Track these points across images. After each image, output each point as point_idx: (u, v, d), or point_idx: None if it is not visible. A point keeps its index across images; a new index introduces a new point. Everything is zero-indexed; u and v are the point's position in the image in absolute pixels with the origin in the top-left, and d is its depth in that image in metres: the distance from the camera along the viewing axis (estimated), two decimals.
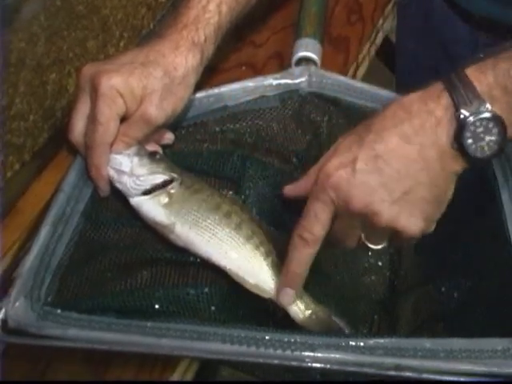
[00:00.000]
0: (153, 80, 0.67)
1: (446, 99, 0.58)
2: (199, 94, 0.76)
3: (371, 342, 0.58)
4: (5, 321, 0.59)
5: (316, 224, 0.61)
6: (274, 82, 0.79)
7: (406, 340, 0.58)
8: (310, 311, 0.64)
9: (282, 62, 0.90)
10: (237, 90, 0.78)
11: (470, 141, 0.57)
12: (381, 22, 0.98)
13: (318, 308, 0.65)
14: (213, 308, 0.63)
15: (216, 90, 0.77)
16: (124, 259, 0.66)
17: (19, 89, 0.72)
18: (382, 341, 0.58)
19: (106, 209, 0.70)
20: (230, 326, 0.59)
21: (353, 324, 0.72)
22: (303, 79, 0.79)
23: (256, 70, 0.89)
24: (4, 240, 0.70)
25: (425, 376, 0.56)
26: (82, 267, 0.65)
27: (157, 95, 0.67)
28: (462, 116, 0.57)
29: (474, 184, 0.72)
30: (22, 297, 0.60)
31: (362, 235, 0.63)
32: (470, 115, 0.57)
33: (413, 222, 0.59)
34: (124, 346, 0.58)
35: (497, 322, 0.64)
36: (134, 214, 0.68)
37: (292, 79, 0.79)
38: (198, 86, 0.74)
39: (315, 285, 0.71)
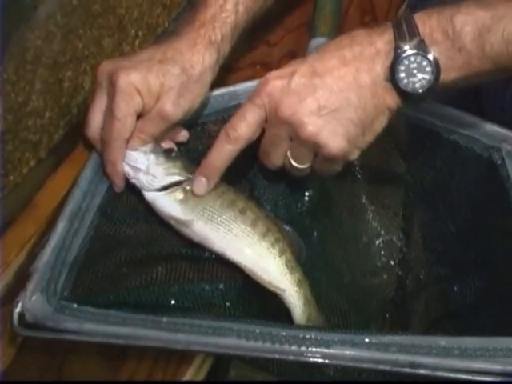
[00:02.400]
0: (170, 77, 0.67)
1: (388, 34, 0.61)
2: (214, 92, 0.77)
3: (386, 339, 0.58)
4: (22, 314, 0.59)
5: (242, 123, 0.64)
6: None
7: (421, 337, 0.58)
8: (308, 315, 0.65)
9: None
10: (251, 89, 0.77)
11: (402, 74, 0.60)
12: None
13: (317, 313, 0.65)
14: (228, 304, 0.63)
15: (231, 88, 0.77)
16: (139, 254, 0.66)
17: (35, 86, 0.72)
18: (396, 338, 0.58)
19: (121, 204, 0.70)
20: (246, 321, 0.59)
21: (365, 322, 0.72)
22: None
23: (270, 69, 0.86)
24: (20, 235, 0.70)
25: (439, 374, 0.56)
26: (97, 262, 0.65)
27: (174, 92, 0.67)
28: (399, 50, 0.60)
29: (486, 182, 0.72)
30: (39, 291, 0.61)
31: (288, 152, 0.65)
32: (407, 50, 0.59)
33: (335, 138, 0.61)
34: (140, 341, 0.58)
35: (510, 320, 0.64)
36: (150, 210, 0.68)
37: None
38: (213, 84, 0.74)
39: (327, 283, 0.71)
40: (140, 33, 0.89)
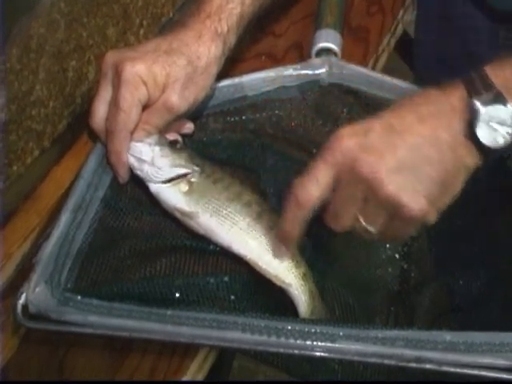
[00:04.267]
0: (176, 68, 0.67)
1: (461, 90, 0.59)
2: (219, 84, 0.76)
3: (392, 333, 0.58)
4: (25, 306, 0.59)
5: (314, 185, 0.59)
6: (294, 73, 0.78)
7: (427, 332, 0.58)
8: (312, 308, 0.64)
9: (301, 52, 0.89)
10: (257, 80, 0.78)
11: (482, 130, 0.57)
12: (401, 13, 0.97)
13: (321, 307, 0.65)
14: (232, 297, 0.63)
15: (236, 80, 0.77)
16: (144, 247, 0.66)
17: (39, 75, 0.72)
18: (402, 332, 0.58)
19: (125, 196, 0.70)
20: (250, 315, 0.59)
21: (369, 315, 0.72)
22: (323, 70, 0.79)
23: (276, 60, 0.88)
24: (23, 226, 0.70)
25: (445, 369, 0.56)
26: (101, 254, 0.65)
27: (179, 84, 0.67)
28: (475, 106, 0.57)
29: (493, 176, 0.72)
30: (43, 282, 0.60)
31: (359, 214, 0.60)
32: (484, 105, 0.57)
33: (416, 198, 0.57)
34: (144, 334, 0.58)
35: None
36: (154, 202, 0.68)
37: (312, 70, 0.79)
38: (218, 76, 0.74)
39: (332, 276, 0.71)
40: (145, 22, 0.88)
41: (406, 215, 0.58)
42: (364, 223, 0.60)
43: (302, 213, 0.60)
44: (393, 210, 0.58)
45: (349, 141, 0.58)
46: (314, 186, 0.59)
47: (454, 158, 0.58)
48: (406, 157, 0.58)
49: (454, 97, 0.59)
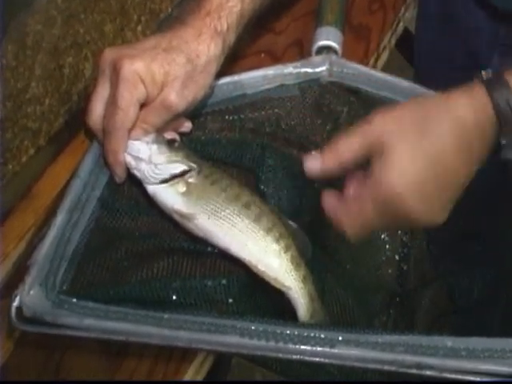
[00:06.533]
0: (175, 66, 0.66)
1: (494, 120, 0.58)
2: (218, 82, 0.75)
3: (392, 338, 0.57)
4: (19, 308, 0.58)
5: (347, 147, 0.59)
6: (294, 71, 0.77)
7: (428, 338, 0.58)
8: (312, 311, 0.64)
9: (301, 49, 0.88)
10: (256, 78, 0.77)
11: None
12: (402, 10, 0.97)
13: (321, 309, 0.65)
14: (230, 300, 0.62)
15: (235, 78, 0.76)
16: (141, 248, 0.65)
17: (35, 72, 0.71)
18: (402, 338, 0.57)
19: (122, 196, 0.69)
20: (249, 319, 0.58)
21: (369, 317, 0.72)
22: (324, 68, 0.78)
23: (275, 58, 0.87)
24: (19, 225, 0.69)
25: (446, 375, 0.55)
26: (97, 255, 0.64)
27: (178, 82, 0.66)
28: (502, 143, 0.59)
29: (495, 175, 0.71)
30: (37, 284, 0.59)
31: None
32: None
33: (431, 217, 0.59)
34: (141, 337, 0.57)
35: None
36: (151, 202, 0.67)
37: (312, 68, 0.78)
38: (217, 73, 0.73)
39: (331, 278, 0.70)
40: (142, 18, 0.87)
41: (415, 225, 0.61)
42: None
43: (334, 166, 0.59)
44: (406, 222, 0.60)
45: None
46: (360, 227, 0.59)
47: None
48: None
49: (489, 130, 0.58)
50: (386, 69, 0.91)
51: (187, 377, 0.61)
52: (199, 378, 0.63)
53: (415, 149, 0.58)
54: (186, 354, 0.61)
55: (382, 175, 0.57)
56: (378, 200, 0.58)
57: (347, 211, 0.59)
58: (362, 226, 0.59)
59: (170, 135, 0.70)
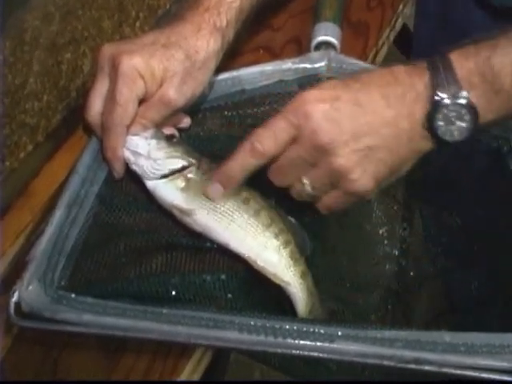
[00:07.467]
0: (174, 62, 0.66)
1: (427, 78, 0.60)
2: (216, 77, 0.75)
3: (391, 333, 0.57)
4: (18, 304, 0.58)
5: (271, 139, 0.61)
6: (293, 67, 0.77)
7: (426, 333, 0.57)
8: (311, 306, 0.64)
9: (299, 46, 0.88)
10: (255, 74, 0.76)
11: (440, 123, 0.59)
12: (401, 7, 0.96)
13: (319, 305, 0.65)
14: (229, 295, 0.62)
15: (234, 73, 0.76)
16: (139, 244, 0.65)
17: (33, 68, 0.71)
18: (401, 333, 0.57)
19: (121, 192, 0.69)
20: (248, 314, 0.58)
21: (367, 313, 0.72)
22: (322, 64, 0.77)
23: (273, 54, 0.87)
24: (16, 222, 0.69)
25: (444, 370, 0.55)
26: (96, 251, 0.64)
27: (177, 78, 0.66)
28: (437, 98, 0.59)
29: (493, 173, 0.72)
30: (36, 280, 0.59)
31: (305, 177, 0.62)
32: (446, 98, 0.59)
33: (365, 177, 0.61)
34: (139, 333, 0.57)
35: None
36: (150, 198, 0.67)
37: (311, 64, 0.77)
38: (216, 69, 0.72)
39: (330, 273, 0.70)
40: (141, 14, 0.87)
41: (349, 190, 0.61)
42: (308, 187, 0.63)
43: (252, 161, 0.62)
44: (338, 182, 0.61)
45: (314, 106, 0.60)
46: (271, 140, 0.61)
47: (409, 146, 0.61)
48: (365, 136, 0.60)
49: (420, 83, 0.60)
50: (384, 65, 0.91)
51: (185, 373, 0.61)
52: (197, 375, 0.62)
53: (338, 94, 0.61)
54: (184, 351, 0.61)
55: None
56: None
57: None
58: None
59: (168, 131, 0.70)
